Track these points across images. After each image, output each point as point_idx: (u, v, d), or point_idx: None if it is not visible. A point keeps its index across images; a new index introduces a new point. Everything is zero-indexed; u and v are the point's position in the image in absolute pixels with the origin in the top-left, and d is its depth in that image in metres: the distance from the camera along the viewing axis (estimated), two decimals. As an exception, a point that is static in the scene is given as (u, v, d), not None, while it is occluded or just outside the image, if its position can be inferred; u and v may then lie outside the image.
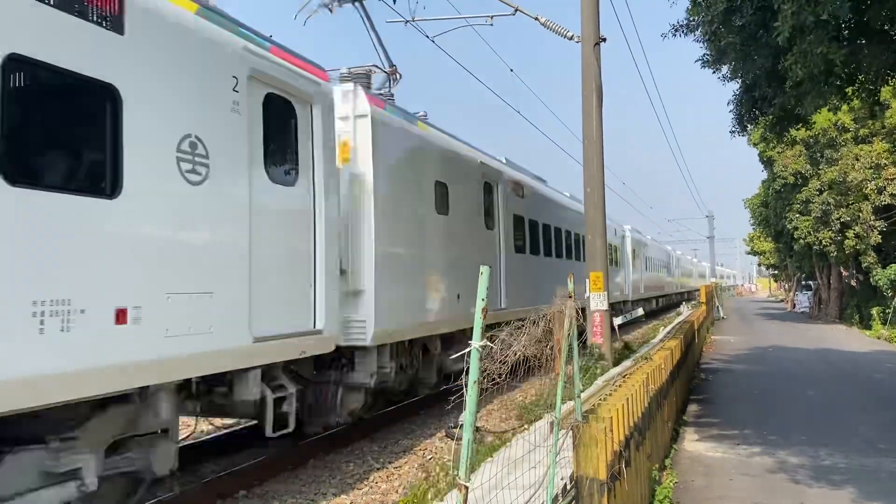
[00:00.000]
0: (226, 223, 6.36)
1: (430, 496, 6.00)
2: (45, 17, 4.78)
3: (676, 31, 11.13)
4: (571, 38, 14.94)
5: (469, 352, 2.86)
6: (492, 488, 5.01)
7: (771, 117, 11.66)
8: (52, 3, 4.82)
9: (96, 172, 5.18)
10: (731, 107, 12.40)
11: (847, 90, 10.06)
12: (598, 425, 4.64)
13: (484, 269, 2.88)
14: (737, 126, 12.68)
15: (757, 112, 11.93)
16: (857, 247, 29.60)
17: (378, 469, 8.59)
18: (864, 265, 30.95)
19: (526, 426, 8.52)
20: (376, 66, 10.88)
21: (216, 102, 6.37)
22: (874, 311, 30.24)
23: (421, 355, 10.89)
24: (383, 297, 9.05)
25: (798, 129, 14.93)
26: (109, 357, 5.03)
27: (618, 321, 23.58)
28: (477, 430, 9.29)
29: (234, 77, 6.59)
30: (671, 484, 7.48)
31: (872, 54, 8.61)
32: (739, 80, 11.66)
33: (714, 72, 11.51)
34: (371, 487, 7.90)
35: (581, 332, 5.81)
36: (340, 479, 8.21)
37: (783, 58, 8.70)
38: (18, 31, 4.62)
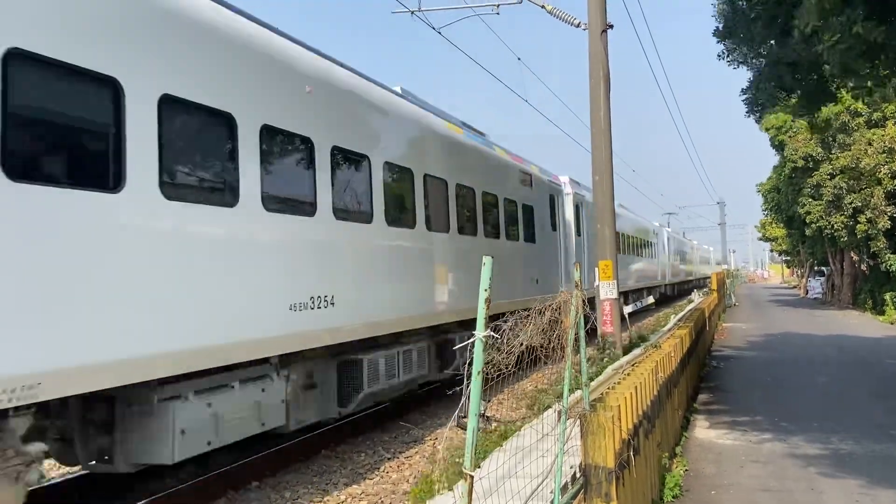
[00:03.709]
0: (552, 249, 17.17)
1: (438, 486, 6.03)
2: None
3: None
4: (578, 26, 14.86)
5: (473, 342, 2.87)
6: (501, 477, 5.04)
7: (798, 97, 11.47)
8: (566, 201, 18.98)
9: (531, 234, 15.46)
10: (748, 90, 12.23)
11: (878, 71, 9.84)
12: (606, 414, 4.64)
13: (486, 260, 2.88)
14: (755, 109, 12.51)
15: (778, 95, 11.73)
16: (869, 231, 29.34)
17: (389, 459, 8.64)
18: (873, 250, 30.68)
19: (535, 415, 8.54)
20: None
21: (546, 206, 16.75)
22: (888, 296, 29.99)
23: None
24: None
25: (826, 108, 14.73)
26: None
27: (628, 309, 23.67)
28: (487, 419, 9.33)
29: (548, 194, 16.96)
30: (681, 471, 7.48)
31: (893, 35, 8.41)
32: (754, 64, 11.53)
33: (728, 56, 11.39)
34: (382, 477, 7.96)
35: (589, 321, 5.81)
36: (352, 469, 8.27)
37: (810, 42, 8.52)
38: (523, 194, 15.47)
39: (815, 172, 30.32)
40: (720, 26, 11.12)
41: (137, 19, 5.60)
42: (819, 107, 12.35)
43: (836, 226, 30.16)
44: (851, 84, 9.33)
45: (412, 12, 15.52)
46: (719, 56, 11.90)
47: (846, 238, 30.52)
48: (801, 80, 10.59)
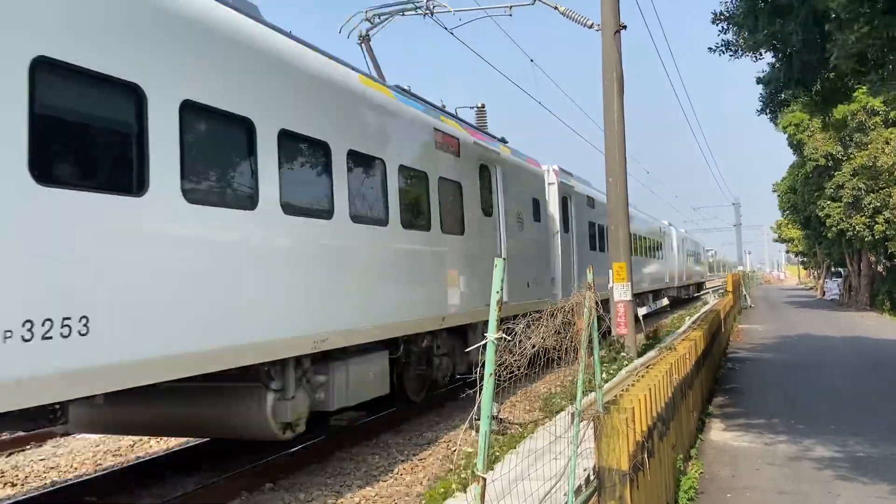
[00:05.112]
0: (666, 261, 36.83)
1: (453, 487, 6.04)
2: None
3: None
4: (591, 27, 14.83)
5: (485, 344, 2.87)
6: (514, 479, 5.04)
7: (813, 95, 11.24)
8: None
9: (662, 256, 35.02)
10: (762, 88, 11.98)
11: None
12: (620, 416, 4.62)
13: (498, 262, 2.88)
14: (771, 109, 12.27)
15: (795, 92, 11.49)
16: (887, 232, 29.04)
17: (403, 461, 8.65)
18: (890, 251, 30.33)
19: (549, 417, 8.53)
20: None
21: (662, 238, 35.32)
22: (905, 297, 29.68)
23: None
24: None
25: (840, 107, 14.37)
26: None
27: (642, 311, 23.58)
28: (500, 421, 9.33)
29: (662, 230, 35.67)
30: (696, 474, 7.43)
31: None
32: (774, 58, 11.30)
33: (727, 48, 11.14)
34: (396, 479, 7.96)
35: (603, 323, 5.80)
36: (366, 471, 8.29)
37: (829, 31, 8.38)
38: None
39: (838, 172, 30.00)
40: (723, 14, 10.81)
41: None
42: (834, 105, 12.08)
43: (857, 227, 29.84)
44: (862, 76, 9.17)
45: (423, 15, 15.56)
46: (712, 49, 11.51)
47: (868, 238, 30.19)
48: (817, 76, 10.36)
